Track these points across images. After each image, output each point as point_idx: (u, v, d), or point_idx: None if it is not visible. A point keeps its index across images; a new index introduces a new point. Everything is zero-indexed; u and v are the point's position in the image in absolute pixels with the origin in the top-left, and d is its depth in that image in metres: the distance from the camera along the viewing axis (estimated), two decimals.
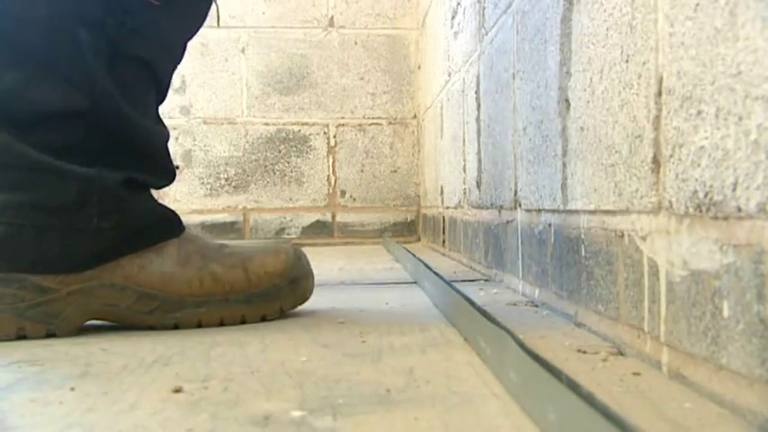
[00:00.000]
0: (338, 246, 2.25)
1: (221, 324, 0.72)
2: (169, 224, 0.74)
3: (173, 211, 0.76)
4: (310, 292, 0.79)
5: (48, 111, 0.67)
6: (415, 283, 1.08)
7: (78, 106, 0.68)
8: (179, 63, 0.79)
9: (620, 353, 0.54)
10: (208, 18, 0.80)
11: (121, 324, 0.71)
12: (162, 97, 0.78)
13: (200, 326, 0.71)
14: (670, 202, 0.46)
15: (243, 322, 0.73)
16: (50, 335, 0.67)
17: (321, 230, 2.29)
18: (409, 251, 1.34)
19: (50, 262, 0.67)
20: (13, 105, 0.67)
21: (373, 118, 2.32)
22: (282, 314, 0.76)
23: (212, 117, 2.29)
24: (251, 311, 0.73)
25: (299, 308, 0.80)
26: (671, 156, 0.46)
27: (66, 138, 0.68)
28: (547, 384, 0.37)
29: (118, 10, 0.68)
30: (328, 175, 2.30)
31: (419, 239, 2.29)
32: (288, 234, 2.28)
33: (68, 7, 0.66)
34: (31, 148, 0.67)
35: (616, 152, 0.56)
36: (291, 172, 2.29)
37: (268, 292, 0.74)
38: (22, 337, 0.66)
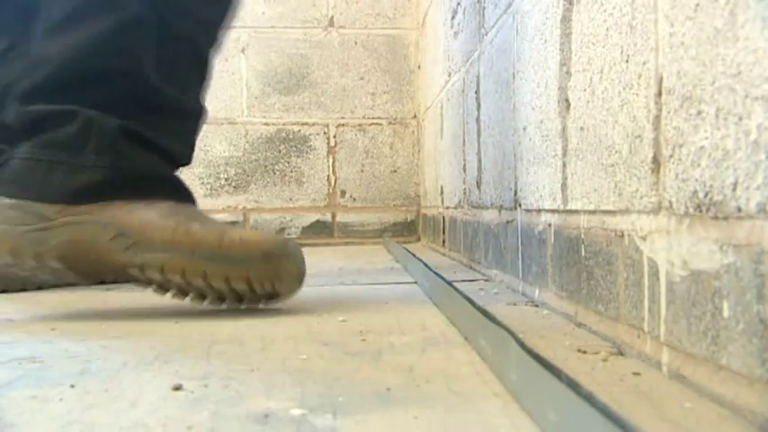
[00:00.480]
0: (338, 246, 2.25)
1: (183, 274, 0.74)
2: (173, 189, 0.81)
3: (185, 186, 0.83)
4: (288, 275, 0.77)
5: (91, 75, 0.78)
6: (416, 282, 1.08)
7: (117, 70, 0.78)
8: (218, 49, 0.89)
9: (620, 353, 0.54)
10: (238, 7, 0.90)
11: (99, 263, 0.76)
12: (204, 78, 0.88)
13: (162, 270, 0.74)
14: (670, 202, 0.46)
15: (204, 277, 0.74)
16: (37, 257, 0.75)
17: (321, 230, 2.29)
18: (409, 251, 1.34)
19: (54, 192, 0.76)
20: (64, 70, 0.78)
21: (373, 118, 2.32)
22: (250, 286, 0.75)
23: (212, 117, 2.28)
24: (214, 269, 0.74)
25: (299, 306, 0.80)
26: (671, 156, 0.46)
27: (102, 97, 0.78)
28: (547, 384, 0.37)
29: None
30: (328, 175, 2.30)
31: (419, 239, 2.29)
32: (288, 234, 2.28)
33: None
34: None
35: (616, 152, 0.56)
36: (291, 172, 2.29)
37: (235, 257, 0.75)
38: (15, 254, 0.75)
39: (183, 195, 0.81)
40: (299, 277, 0.78)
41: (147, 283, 0.76)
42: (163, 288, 0.76)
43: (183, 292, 0.76)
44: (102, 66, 0.78)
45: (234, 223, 2.27)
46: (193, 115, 0.86)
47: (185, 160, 0.86)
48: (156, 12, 0.78)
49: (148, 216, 0.76)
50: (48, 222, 0.75)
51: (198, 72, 0.87)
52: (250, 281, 0.75)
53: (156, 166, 0.81)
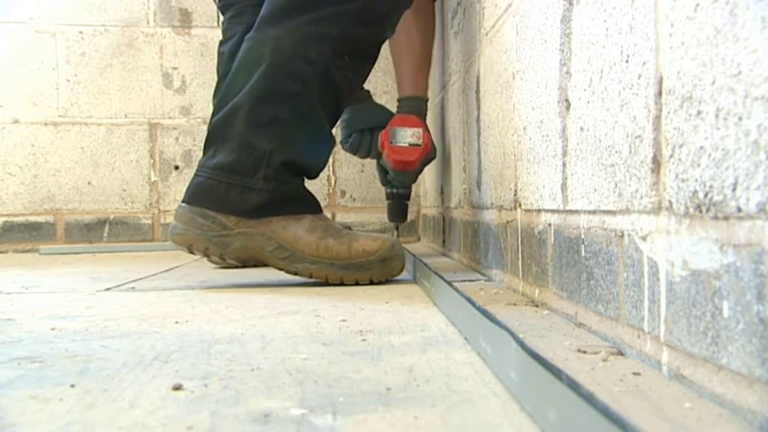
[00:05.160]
0: None
1: (326, 280, 1.05)
2: (309, 203, 1.10)
3: (315, 199, 1.12)
4: (397, 270, 1.09)
5: (271, 93, 1.07)
6: (415, 282, 1.08)
7: (292, 90, 1.07)
8: (347, 104, 1.22)
9: (620, 353, 0.54)
10: (367, 78, 1.21)
11: (264, 264, 1.09)
12: (334, 121, 1.16)
13: (311, 277, 1.06)
14: (670, 202, 0.46)
15: (341, 282, 1.05)
16: (222, 257, 1.07)
17: None
18: (409, 251, 1.34)
19: (231, 207, 1.05)
20: (254, 91, 1.06)
21: None
22: (371, 281, 1.06)
23: None
24: (347, 275, 1.06)
25: (299, 305, 0.80)
26: (671, 156, 0.46)
27: (275, 114, 1.06)
28: (547, 384, 0.37)
29: (332, 53, 1.08)
30: (328, 176, 2.29)
31: (419, 239, 2.29)
32: None
33: (310, 46, 1.07)
34: (244, 124, 1.06)
35: (616, 152, 0.56)
36: None
37: (362, 264, 1.06)
38: (206, 254, 1.07)
39: (314, 206, 1.11)
40: (402, 269, 1.10)
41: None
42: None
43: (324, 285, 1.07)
44: (285, 86, 1.07)
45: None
46: (330, 141, 1.14)
47: (317, 175, 1.16)
48: (325, 61, 1.08)
49: (298, 232, 1.06)
50: (228, 230, 1.05)
51: (335, 114, 1.15)
52: (372, 279, 1.07)
53: (300, 186, 1.10)
